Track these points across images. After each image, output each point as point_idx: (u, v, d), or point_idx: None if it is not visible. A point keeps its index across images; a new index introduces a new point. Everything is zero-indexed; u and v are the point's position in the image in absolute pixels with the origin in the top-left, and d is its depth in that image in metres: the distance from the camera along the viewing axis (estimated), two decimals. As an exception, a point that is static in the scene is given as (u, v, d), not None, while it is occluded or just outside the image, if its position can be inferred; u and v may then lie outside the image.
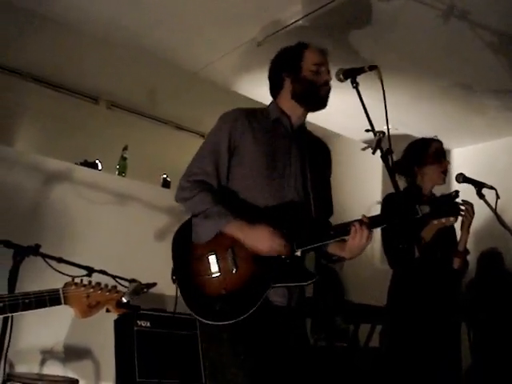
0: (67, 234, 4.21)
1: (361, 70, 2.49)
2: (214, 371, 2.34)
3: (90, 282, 2.07)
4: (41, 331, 4.00)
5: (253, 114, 2.60)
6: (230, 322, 2.25)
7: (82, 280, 2.08)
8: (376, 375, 4.22)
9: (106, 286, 2.09)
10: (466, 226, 3.38)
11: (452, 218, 3.24)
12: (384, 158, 2.34)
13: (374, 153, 2.36)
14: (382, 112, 2.37)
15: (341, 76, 2.52)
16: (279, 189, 2.47)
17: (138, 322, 4.09)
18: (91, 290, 2.04)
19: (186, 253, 2.41)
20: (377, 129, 2.39)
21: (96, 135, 6.01)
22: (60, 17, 4.33)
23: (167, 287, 4.35)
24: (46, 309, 3.73)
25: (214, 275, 2.33)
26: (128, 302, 2.05)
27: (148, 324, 4.13)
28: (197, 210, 2.41)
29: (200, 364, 4.24)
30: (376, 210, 3.64)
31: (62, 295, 2.03)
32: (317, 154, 2.68)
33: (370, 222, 2.34)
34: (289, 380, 2.37)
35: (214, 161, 2.49)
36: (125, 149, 4.92)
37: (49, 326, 4.01)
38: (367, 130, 2.39)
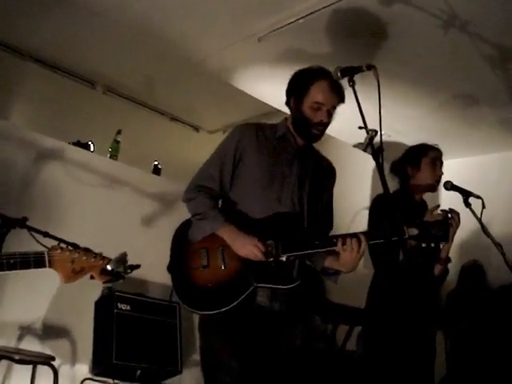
0: (54, 211, 4.19)
1: (358, 69, 2.51)
2: (205, 360, 2.60)
3: (75, 248, 2.08)
4: (20, 307, 4.00)
5: (261, 129, 2.77)
6: (212, 312, 2.46)
7: (67, 245, 2.09)
8: (351, 379, 4.25)
9: (92, 252, 2.10)
10: (450, 235, 3.39)
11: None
12: (375, 155, 2.37)
13: (365, 150, 2.39)
14: (374, 117, 2.37)
15: (338, 74, 2.55)
16: (275, 201, 2.63)
17: (119, 304, 4.10)
18: (76, 255, 2.05)
19: (182, 248, 2.63)
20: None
21: (91, 118, 6.00)
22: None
23: (149, 272, 4.39)
24: (27, 284, 3.77)
25: (203, 268, 2.53)
26: (113, 269, 2.07)
27: (128, 307, 4.14)
28: (196, 210, 2.64)
29: (177, 351, 4.26)
30: (363, 215, 3.68)
31: (46, 258, 2.04)
32: (320, 172, 2.81)
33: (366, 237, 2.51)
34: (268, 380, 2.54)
35: (220, 169, 2.70)
36: (118, 133, 4.92)
37: (29, 303, 4.01)
38: (360, 128, 2.41)
